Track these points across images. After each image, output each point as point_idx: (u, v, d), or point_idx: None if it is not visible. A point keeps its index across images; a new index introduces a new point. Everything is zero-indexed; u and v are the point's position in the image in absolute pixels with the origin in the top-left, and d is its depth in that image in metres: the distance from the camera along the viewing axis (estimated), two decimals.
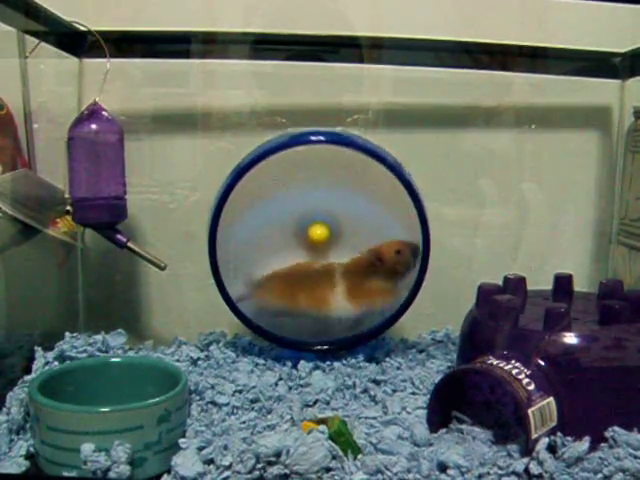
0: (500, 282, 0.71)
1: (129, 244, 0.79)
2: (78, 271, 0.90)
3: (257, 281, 0.74)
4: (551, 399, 0.56)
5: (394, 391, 0.70)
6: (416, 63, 0.88)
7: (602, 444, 0.56)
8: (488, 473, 0.52)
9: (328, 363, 0.74)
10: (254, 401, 0.66)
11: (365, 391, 0.69)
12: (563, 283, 0.73)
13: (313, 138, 0.71)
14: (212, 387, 0.67)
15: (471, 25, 0.88)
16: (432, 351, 0.81)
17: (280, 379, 0.71)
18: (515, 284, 0.70)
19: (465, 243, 0.93)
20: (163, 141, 0.91)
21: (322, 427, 0.55)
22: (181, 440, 0.56)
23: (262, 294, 0.75)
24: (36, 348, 0.71)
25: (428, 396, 0.63)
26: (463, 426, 0.59)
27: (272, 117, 0.89)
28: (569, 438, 0.55)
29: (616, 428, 0.57)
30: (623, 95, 0.92)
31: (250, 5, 0.88)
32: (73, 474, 0.53)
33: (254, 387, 0.68)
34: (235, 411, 0.65)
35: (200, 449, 0.55)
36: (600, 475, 0.53)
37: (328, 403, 0.67)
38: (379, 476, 0.51)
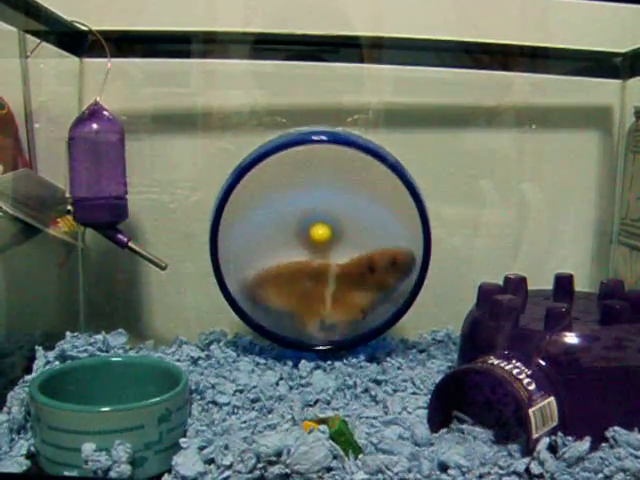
0: (501, 282, 0.71)
1: (130, 244, 0.79)
2: (79, 271, 0.90)
3: (250, 278, 0.74)
4: (552, 399, 0.56)
5: (395, 391, 0.70)
6: (416, 63, 0.88)
7: (603, 444, 0.57)
8: (489, 473, 0.52)
9: (329, 363, 0.75)
10: (255, 401, 0.66)
11: (366, 391, 0.69)
12: (564, 283, 0.73)
13: (315, 138, 0.71)
14: (213, 387, 0.67)
15: (472, 25, 0.88)
16: (433, 351, 0.81)
17: (281, 379, 0.71)
18: (516, 284, 0.70)
19: (466, 243, 0.93)
20: (163, 141, 0.91)
21: (323, 427, 0.55)
22: (182, 440, 0.56)
23: (255, 290, 0.74)
24: (37, 348, 0.71)
25: (429, 396, 0.63)
26: (464, 426, 0.60)
27: (272, 117, 0.89)
28: (570, 438, 0.55)
29: (617, 428, 0.57)
30: (624, 95, 0.92)
31: (250, 5, 0.88)
32: (74, 474, 0.53)
33: (255, 387, 0.68)
34: (236, 411, 0.65)
35: (201, 449, 0.55)
36: (601, 475, 0.53)
37: (329, 403, 0.67)
38: (380, 476, 0.51)
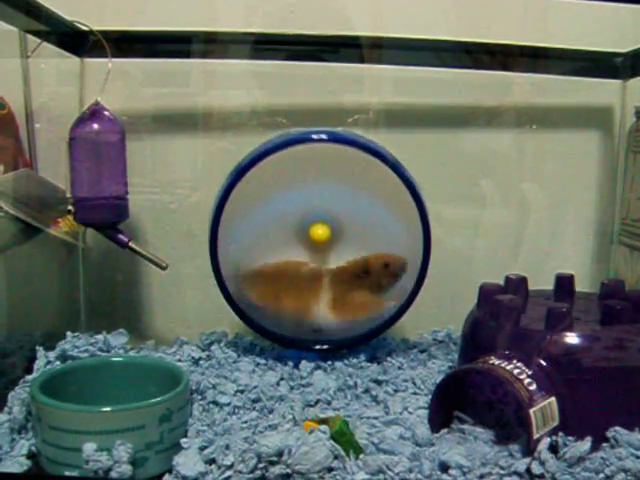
0: (501, 282, 0.71)
1: (130, 244, 0.79)
2: (79, 271, 0.90)
3: (243, 275, 0.74)
4: (553, 399, 0.56)
5: (396, 391, 0.70)
6: (417, 63, 0.88)
7: (604, 444, 0.57)
8: (490, 473, 0.52)
9: (329, 363, 0.75)
10: (256, 401, 0.66)
11: (367, 391, 0.69)
12: (564, 283, 0.73)
13: (314, 137, 0.71)
14: (214, 387, 0.67)
15: (472, 25, 0.88)
16: (433, 351, 0.81)
17: (282, 379, 0.71)
18: (516, 284, 0.70)
19: (466, 243, 0.93)
20: (164, 141, 0.91)
21: (324, 427, 0.55)
22: (183, 440, 0.56)
23: (246, 288, 0.74)
24: (37, 348, 0.71)
25: (430, 396, 0.63)
26: (465, 426, 0.60)
27: (273, 117, 0.89)
28: (571, 438, 0.55)
29: (618, 428, 0.57)
30: (624, 95, 0.92)
31: (251, 5, 0.88)
32: (75, 474, 0.53)
33: (256, 387, 0.68)
34: (237, 411, 0.65)
35: (202, 449, 0.55)
36: (602, 475, 0.52)
37: (330, 403, 0.67)
38: (381, 476, 0.51)
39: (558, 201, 0.94)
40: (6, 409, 0.61)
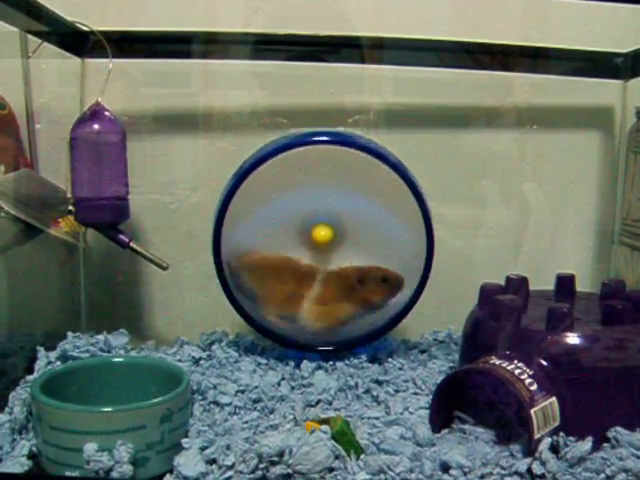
0: (502, 282, 0.71)
1: (131, 244, 0.79)
2: (80, 271, 0.90)
3: (240, 255, 0.74)
4: (554, 399, 0.56)
5: (396, 391, 0.70)
6: (417, 63, 0.88)
7: (605, 444, 0.57)
8: (491, 473, 0.52)
9: (331, 363, 0.74)
10: (256, 401, 0.66)
11: (367, 391, 0.69)
12: (565, 283, 0.73)
13: (317, 139, 0.71)
14: (214, 387, 0.67)
15: (472, 25, 0.88)
16: (434, 351, 0.81)
17: (283, 379, 0.71)
18: (517, 284, 0.70)
19: (467, 243, 0.93)
20: (165, 141, 0.91)
21: (325, 427, 0.55)
22: (183, 440, 0.56)
23: (240, 269, 0.74)
24: (38, 348, 0.71)
25: (430, 396, 0.63)
26: (465, 426, 0.59)
27: (273, 117, 0.89)
28: (572, 438, 0.55)
29: (619, 428, 0.57)
30: (625, 95, 0.92)
31: (251, 5, 0.88)
32: (76, 474, 0.53)
33: (256, 387, 0.68)
34: (237, 411, 0.65)
35: (202, 449, 0.55)
36: (603, 475, 0.52)
37: (330, 403, 0.67)
38: (382, 476, 0.51)
39: (559, 201, 0.94)
40: (7, 409, 0.61)
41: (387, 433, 0.58)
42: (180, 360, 0.75)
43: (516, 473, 0.52)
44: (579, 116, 0.94)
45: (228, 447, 0.54)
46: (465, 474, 0.52)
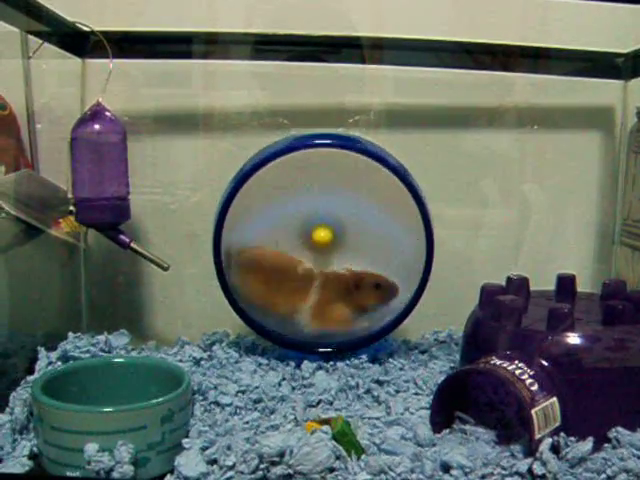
0: (503, 282, 0.71)
1: (132, 244, 0.79)
2: (81, 271, 0.90)
3: (238, 250, 0.74)
4: (554, 399, 0.56)
5: (397, 392, 0.70)
6: (418, 64, 0.88)
7: (605, 444, 0.57)
8: (491, 473, 0.52)
9: (331, 363, 0.74)
10: (257, 401, 0.66)
11: (368, 391, 0.69)
12: (566, 283, 0.73)
13: (318, 142, 0.71)
14: (215, 387, 0.67)
15: (473, 25, 0.88)
16: (435, 352, 0.81)
17: (283, 379, 0.71)
18: (518, 284, 0.70)
19: (468, 244, 0.93)
20: (165, 142, 0.91)
21: (325, 427, 0.55)
22: (184, 440, 0.56)
23: (237, 264, 0.74)
24: (39, 348, 0.71)
25: (431, 397, 0.63)
26: (466, 426, 0.59)
27: (274, 118, 0.89)
28: (572, 438, 0.55)
29: (619, 428, 0.57)
30: (626, 95, 0.92)
31: (251, 6, 0.88)
32: (76, 474, 0.53)
33: (257, 387, 0.68)
34: (238, 411, 0.65)
35: (203, 449, 0.55)
36: (604, 475, 0.53)
37: (331, 403, 0.67)
38: (382, 476, 0.51)
39: (559, 201, 0.94)
40: (8, 410, 0.61)
41: (388, 433, 0.58)
42: (181, 360, 0.75)
43: (517, 473, 0.52)
44: (579, 116, 0.94)
45: (229, 447, 0.54)
46: (466, 474, 0.52)
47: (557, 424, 0.56)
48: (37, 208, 0.77)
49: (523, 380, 0.56)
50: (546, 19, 0.89)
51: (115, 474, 0.52)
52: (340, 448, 0.53)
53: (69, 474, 0.53)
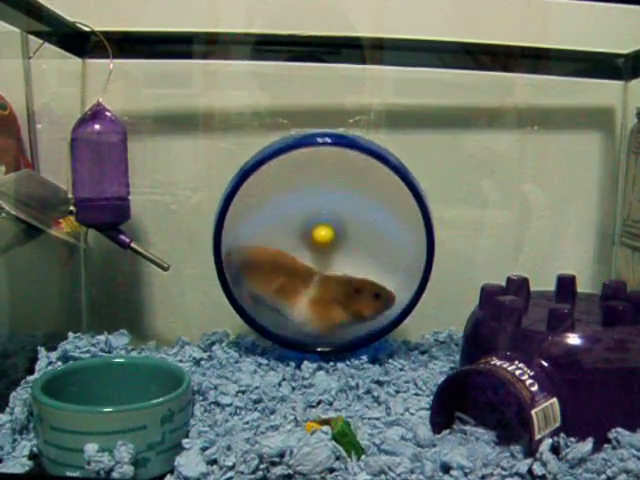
0: (503, 283, 0.71)
1: (132, 245, 0.79)
2: (81, 271, 0.90)
3: (239, 249, 0.74)
4: (554, 400, 0.56)
5: (397, 392, 0.70)
6: (418, 64, 0.88)
7: (605, 445, 0.57)
8: (491, 474, 0.52)
9: (331, 364, 0.74)
10: (257, 401, 0.66)
11: (368, 392, 0.69)
12: (566, 284, 0.73)
13: (319, 140, 0.71)
14: (215, 387, 0.67)
15: (473, 26, 0.88)
16: (435, 352, 0.81)
17: (283, 379, 0.71)
18: (518, 285, 0.70)
19: (468, 244, 0.93)
20: (165, 142, 0.91)
21: (325, 428, 0.55)
22: (184, 440, 0.56)
23: (238, 260, 0.74)
24: (39, 348, 0.71)
25: (431, 397, 0.63)
26: (466, 427, 0.59)
27: (274, 118, 0.89)
28: (572, 439, 0.55)
29: (619, 429, 0.57)
30: (626, 96, 0.92)
31: (252, 6, 0.88)
32: (76, 474, 0.53)
33: (257, 387, 0.68)
34: (238, 411, 0.65)
35: (203, 449, 0.55)
36: (603, 476, 0.53)
37: (331, 404, 0.67)
38: (382, 477, 0.51)
39: (559, 202, 0.94)
40: (8, 410, 0.61)
41: (388, 434, 0.58)
42: (181, 360, 0.76)
43: (517, 474, 0.52)
44: (580, 117, 0.94)
45: (229, 447, 0.54)
46: (466, 475, 0.52)
47: (557, 425, 0.56)
48: (37, 208, 0.77)
49: (523, 381, 0.56)
50: (546, 20, 0.89)
51: (115, 474, 0.52)
52: (340, 448, 0.53)
53: (69, 474, 0.53)
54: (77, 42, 0.83)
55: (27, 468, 0.55)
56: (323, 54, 0.88)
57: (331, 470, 0.52)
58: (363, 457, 0.54)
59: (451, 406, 0.61)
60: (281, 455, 0.51)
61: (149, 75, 0.89)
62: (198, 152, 0.92)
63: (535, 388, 0.56)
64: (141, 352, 0.79)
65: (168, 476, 0.53)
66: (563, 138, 0.94)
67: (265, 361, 0.75)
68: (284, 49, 0.87)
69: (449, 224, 0.89)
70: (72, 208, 0.78)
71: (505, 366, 0.57)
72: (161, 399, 0.55)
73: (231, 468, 0.52)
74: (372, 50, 0.86)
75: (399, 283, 0.75)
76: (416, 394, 0.69)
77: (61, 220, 0.83)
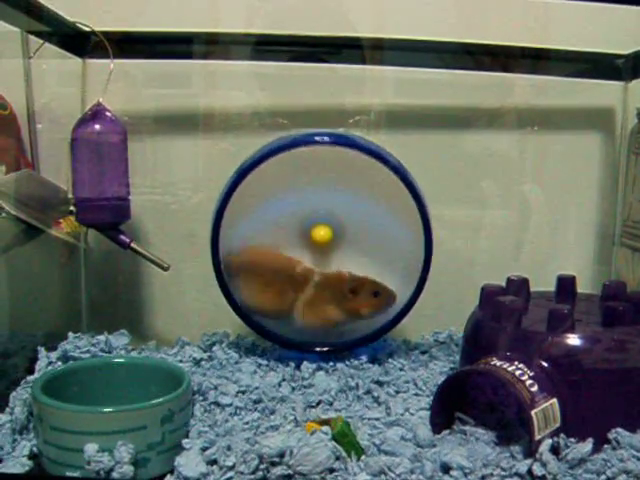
0: (503, 283, 0.71)
1: (132, 245, 0.79)
2: (81, 271, 0.90)
3: (236, 248, 0.74)
4: (554, 400, 0.56)
5: (397, 392, 0.70)
6: (418, 64, 0.88)
7: (605, 446, 0.57)
8: (491, 474, 0.52)
9: (331, 364, 0.74)
10: (257, 402, 0.66)
11: (368, 392, 0.69)
12: (566, 284, 0.73)
13: (317, 139, 0.71)
14: (215, 388, 0.67)
15: (473, 26, 0.88)
16: (435, 352, 0.81)
17: (283, 380, 0.71)
18: (518, 285, 0.70)
19: (468, 244, 0.93)
20: (165, 142, 0.91)
21: (325, 428, 0.55)
22: (184, 440, 0.56)
23: (236, 259, 0.74)
24: (39, 348, 0.71)
25: (431, 397, 0.63)
26: (466, 427, 0.59)
27: (274, 118, 0.89)
28: (572, 439, 0.55)
29: (619, 430, 0.57)
30: (626, 97, 0.92)
31: (252, 6, 0.88)
32: (76, 474, 0.53)
33: (257, 388, 0.68)
34: (238, 412, 0.65)
35: (203, 449, 0.55)
36: (603, 477, 0.53)
37: (331, 404, 0.67)
38: (382, 477, 0.51)
39: (559, 202, 0.94)
40: (8, 410, 0.61)
41: (388, 434, 0.58)
42: (181, 361, 0.76)
43: (517, 474, 0.52)
44: (580, 117, 0.94)
45: (229, 448, 0.54)
46: (466, 475, 0.52)
47: (557, 425, 0.56)
48: (37, 208, 0.77)
49: (523, 381, 0.56)
50: (546, 20, 0.89)
51: (115, 474, 0.52)
52: (340, 449, 0.53)
53: (69, 474, 0.53)
54: (77, 42, 0.83)
55: (27, 468, 0.55)
56: (323, 54, 0.88)
57: (331, 470, 0.52)
58: (363, 457, 0.54)
59: (451, 406, 0.61)
60: (281, 455, 0.51)
61: (149, 75, 0.89)
62: (198, 152, 0.92)
63: (535, 388, 0.56)
64: (141, 352, 0.79)
65: (168, 476, 0.53)
66: (563, 138, 0.94)
67: (265, 361, 0.75)
68: (284, 49, 0.87)
69: (449, 224, 0.89)
70: (72, 208, 0.78)
71: (505, 366, 0.57)
72: (161, 399, 0.55)
73: (231, 468, 0.52)
74: (372, 50, 0.86)
75: (397, 283, 0.74)
76: (416, 394, 0.69)
77: (61, 220, 0.83)
